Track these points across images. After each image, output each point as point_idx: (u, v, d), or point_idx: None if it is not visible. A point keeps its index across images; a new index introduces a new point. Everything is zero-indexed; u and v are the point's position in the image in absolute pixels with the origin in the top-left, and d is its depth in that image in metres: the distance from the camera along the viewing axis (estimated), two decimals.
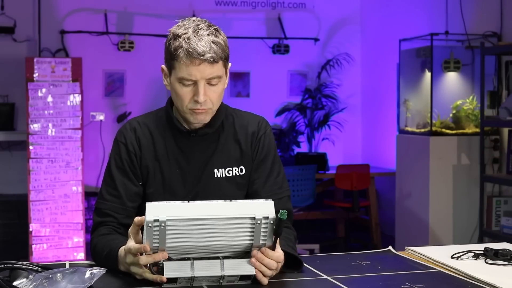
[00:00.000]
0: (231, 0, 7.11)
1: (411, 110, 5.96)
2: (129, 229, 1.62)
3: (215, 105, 1.81)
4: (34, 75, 5.57)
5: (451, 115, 5.56)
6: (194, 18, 1.81)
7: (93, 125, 6.55)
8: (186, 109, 1.80)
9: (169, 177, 1.87)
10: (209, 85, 1.77)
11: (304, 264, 1.76)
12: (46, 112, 5.55)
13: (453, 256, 1.84)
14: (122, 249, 1.63)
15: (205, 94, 1.76)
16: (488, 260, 1.81)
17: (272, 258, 1.58)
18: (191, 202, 1.53)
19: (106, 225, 1.83)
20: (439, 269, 1.76)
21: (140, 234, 1.58)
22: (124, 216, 1.83)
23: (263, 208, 1.53)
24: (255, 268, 1.57)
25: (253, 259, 1.57)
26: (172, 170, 1.87)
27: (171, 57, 1.77)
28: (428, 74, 5.60)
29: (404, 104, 6.02)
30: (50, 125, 5.55)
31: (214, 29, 1.77)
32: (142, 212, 1.77)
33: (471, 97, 5.52)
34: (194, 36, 1.73)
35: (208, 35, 1.74)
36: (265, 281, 1.59)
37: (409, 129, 5.89)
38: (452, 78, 5.64)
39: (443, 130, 5.43)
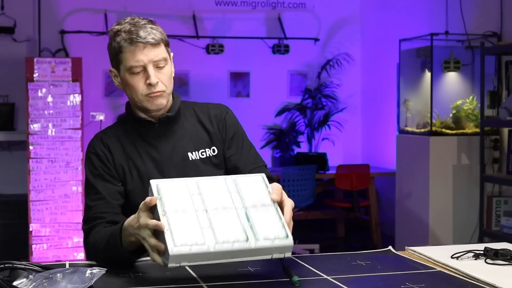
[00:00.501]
0: (231, 0, 7.10)
1: (411, 110, 5.95)
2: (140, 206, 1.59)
3: (168, 87, 1.88)
4: (34, 75, 5.57)
5: (451, 115, 5.56)
6: (129, 17, 1.91)
7: (93, 125, 6.54)
8: (142, 97, 1.86)
9: (145, 171, 1.90)
10: (157, 69, 1.85)
11: (304, 264, 1.77)
12: (46, 112, 5.55)
13: (453, 256, 1.83)
14: (126, 223, 1.65)
15: (156, 77, 1.84)
16: (488, 260, 1.81)
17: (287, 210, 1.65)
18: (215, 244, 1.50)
19: (97, 226, 1.84)
20: (439, 269, 1.76)
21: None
22: (112, 213, 1.85)
23: (282, 249, 1.55)
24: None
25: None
26: (146, 164, 1.91)
27: (116, 52, 1.86)
28: (428, 74, 5.59)
29: (404, 104, 6.02)
30: (50, 125, 5.55)
31: (149, 20, 1.89)
32: (126, 211, 1.83)
33: (471, 97, 5.52)
34: (133, 27, 1.84)
35: (145, 24, 1.85)
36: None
37: (409, 129, 5.89)
38: (452, 78, 5.64)
39: (443, 130, 5.43)
